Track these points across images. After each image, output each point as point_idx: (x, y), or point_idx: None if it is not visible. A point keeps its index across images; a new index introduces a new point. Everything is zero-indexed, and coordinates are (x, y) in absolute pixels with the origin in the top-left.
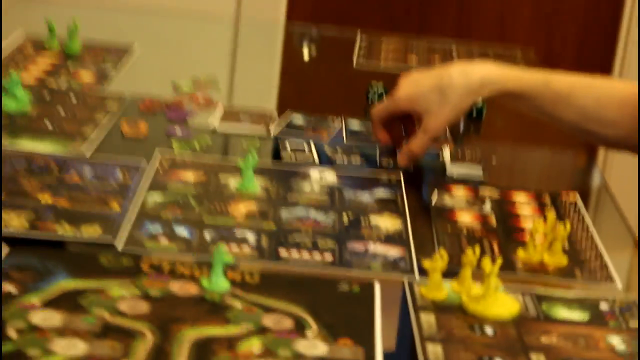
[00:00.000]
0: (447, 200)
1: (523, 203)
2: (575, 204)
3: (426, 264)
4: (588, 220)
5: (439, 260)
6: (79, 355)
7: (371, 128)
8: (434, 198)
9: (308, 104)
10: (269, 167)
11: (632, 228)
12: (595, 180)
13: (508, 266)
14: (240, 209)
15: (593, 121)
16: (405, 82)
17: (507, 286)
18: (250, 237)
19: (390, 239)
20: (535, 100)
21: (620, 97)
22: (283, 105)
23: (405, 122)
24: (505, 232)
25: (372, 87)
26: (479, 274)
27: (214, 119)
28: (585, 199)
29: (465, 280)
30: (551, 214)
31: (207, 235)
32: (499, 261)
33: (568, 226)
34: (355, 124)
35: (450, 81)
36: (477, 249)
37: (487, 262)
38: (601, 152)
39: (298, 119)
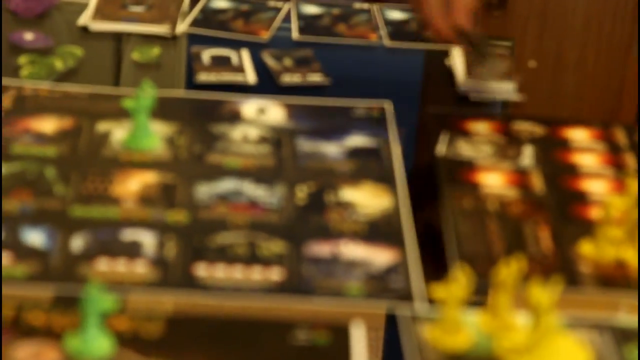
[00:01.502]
0: (463, 147)
1: (583, 147)
2: None
3: (437, 291)
4: None
5: (457, 286)
6: None
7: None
8: (442, 145)
9: None
10: (174, 98)
11: None
12: None
13: (567, 274)
14: (130, 185)
15: None
16: None
17: (567, 315)
18: (147, 241)
19: (374, 231)
20: None
21: None
22: None
23: None
24: (559, 206)
25: None
26: (523, 295)
27: (87, 12)
28: None
29: (500, 311)
30: (633, 184)
31: (76, 243)
32: (558, 285)
33: None
34: (310, 8)
35: None
36: (517, 263)
37: (536, 291)
38: None
39: (220, 3)
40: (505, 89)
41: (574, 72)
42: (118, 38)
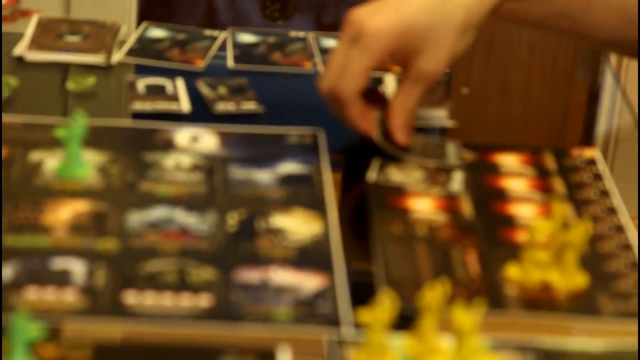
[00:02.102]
0: (394, 173)
1: (513, 172)
2: (594, 165)
3: (363, 315)
4: (615, 193)
5: (382, 310)
6: None
7: (341, 114)
8: (373, 172)
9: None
10: (108, 127)
11: None
12: (621, 116)
13: (493, 297)
14: (62, 214)
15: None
16: (378, 11)
17: (492, 337)
18: (77, 269)
19: (304, 257)
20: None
21: None
22: (145, 11)
23: None
24: (486, 230)
25: None
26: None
27: (23, 42)
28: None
29: (425, 335)
30: (559, 207)
31: (6, 272)
32: (482, 308)
33: (589, 225)
34: (246, 37)
35: None
36: (442, 286)
37: (459, 314)
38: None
39: (157, 33)
40: (437, 116)
41: (520, 99)
42: (55, 67)
